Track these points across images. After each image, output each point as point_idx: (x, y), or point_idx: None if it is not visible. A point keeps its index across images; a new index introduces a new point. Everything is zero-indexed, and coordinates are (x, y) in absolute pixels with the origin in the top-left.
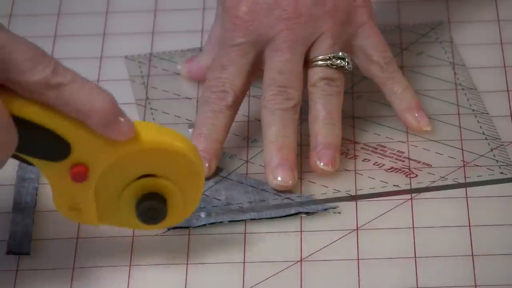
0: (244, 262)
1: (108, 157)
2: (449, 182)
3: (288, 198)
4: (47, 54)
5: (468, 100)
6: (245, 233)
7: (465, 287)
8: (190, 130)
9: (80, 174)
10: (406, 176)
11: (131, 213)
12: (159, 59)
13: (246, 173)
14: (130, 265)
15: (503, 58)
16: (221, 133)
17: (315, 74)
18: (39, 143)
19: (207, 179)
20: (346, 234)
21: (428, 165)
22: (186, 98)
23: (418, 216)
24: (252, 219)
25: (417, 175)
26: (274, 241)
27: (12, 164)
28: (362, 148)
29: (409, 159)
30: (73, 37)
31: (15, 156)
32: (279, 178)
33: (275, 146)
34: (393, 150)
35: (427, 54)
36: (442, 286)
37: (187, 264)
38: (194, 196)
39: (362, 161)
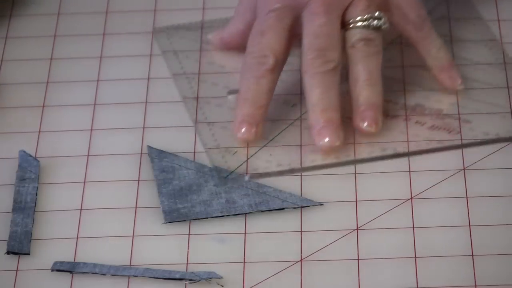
0: (244, 262)
1: None
2: (492, 136)
3: (287, 201)
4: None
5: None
6: (245, 233)
7: (465, 287)
8: (229, 96)
9: None
10: (449, 132)
11: None
12: (186, 31)
13: (246, 173)
14: (130, 265)
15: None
16: (265, 97)
17: (353, 36)
18: None
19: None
20: (346, 234)
21: (469, 122)
22: (221, 67)
23: (418, 216)
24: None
25: (459, 132)
26: (274, 241)
27: (12, 164)
28: (401, 108)
29: (451, 115)
30: (73, 37)
31: None
32: (326, 140)
33: (319, 108)
34: (432, 109)
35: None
36: (442, 286)
37: (187, 264)
38: None
39: (403, 121)
